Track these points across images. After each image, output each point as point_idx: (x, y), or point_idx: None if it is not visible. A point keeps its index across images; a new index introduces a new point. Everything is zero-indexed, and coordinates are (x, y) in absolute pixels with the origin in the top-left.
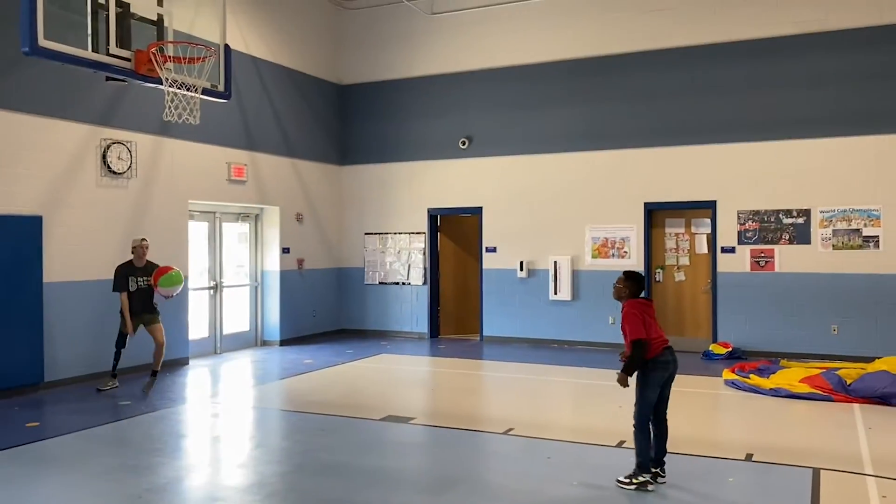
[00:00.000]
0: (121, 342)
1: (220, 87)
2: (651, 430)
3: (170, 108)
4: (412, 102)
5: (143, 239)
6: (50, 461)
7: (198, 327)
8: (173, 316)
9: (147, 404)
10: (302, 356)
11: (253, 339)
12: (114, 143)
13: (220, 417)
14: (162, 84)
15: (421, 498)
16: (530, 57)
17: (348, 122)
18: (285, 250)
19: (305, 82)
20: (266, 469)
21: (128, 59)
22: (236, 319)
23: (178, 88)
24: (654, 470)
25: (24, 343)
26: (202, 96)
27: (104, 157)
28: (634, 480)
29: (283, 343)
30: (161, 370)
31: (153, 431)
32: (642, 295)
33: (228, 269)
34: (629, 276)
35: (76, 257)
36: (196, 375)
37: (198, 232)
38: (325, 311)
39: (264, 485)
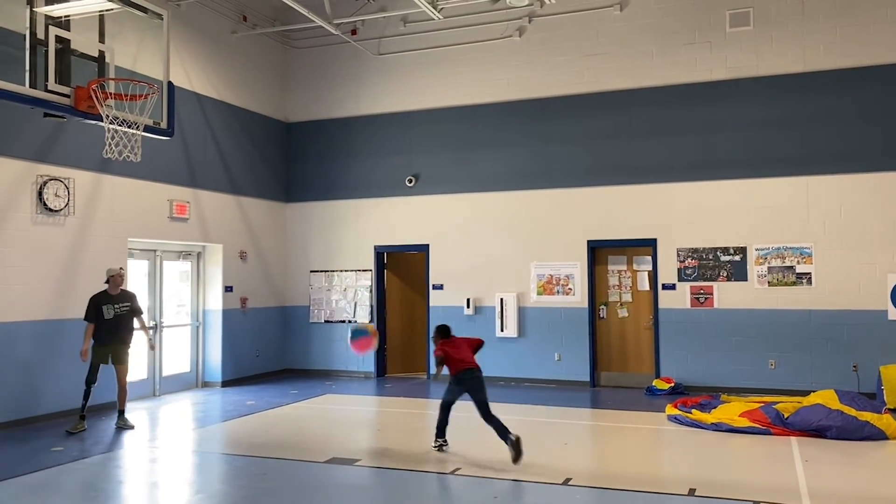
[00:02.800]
0: (91, 377)
1: (163, 125)
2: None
3: (110, 145)
4: (359, 140)
5: (121, 268)
6: None
7: (136, 369)
8: None
9: (81, 450)
10: (244, 397)
11: (194, 381)
12: (51, 180)
13: (159, 462)
14: (102, 121)
15: None
16: (475, 98)
17: (294, 159)
18: (228, 289)
19: (251, 120)
20: None
21: (67, 96)
22: (176, 360)
23: (120, 125)
24: (512, 434)
25: None
26: (144, 133)
27: (40, 193)
28: (434, 444)
29: (225, 384)
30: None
31: (88, 479)
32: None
33: (169, 309)
34: (438, 329)
35: (8, 297)
36: (134, 419)
37: (138, 270)
38: (268, 351)
39: None
